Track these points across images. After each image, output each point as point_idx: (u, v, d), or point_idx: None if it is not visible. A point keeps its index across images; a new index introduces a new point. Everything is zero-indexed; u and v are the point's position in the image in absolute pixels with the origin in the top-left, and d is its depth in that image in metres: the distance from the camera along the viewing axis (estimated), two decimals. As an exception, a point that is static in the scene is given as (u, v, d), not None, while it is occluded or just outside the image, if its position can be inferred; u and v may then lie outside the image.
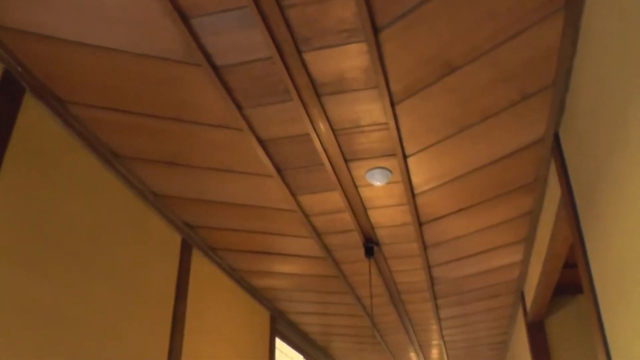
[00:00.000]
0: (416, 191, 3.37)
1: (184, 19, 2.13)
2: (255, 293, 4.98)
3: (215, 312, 4.22)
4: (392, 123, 2.74)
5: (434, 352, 7.64)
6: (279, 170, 3.12)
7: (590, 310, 2.52)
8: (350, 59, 2.36)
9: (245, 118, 2.70)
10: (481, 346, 7.33)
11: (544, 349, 4.86)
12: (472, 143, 2.95)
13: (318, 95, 2.56)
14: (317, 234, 3.87)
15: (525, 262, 4.48)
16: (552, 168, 3.05)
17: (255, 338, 5.00)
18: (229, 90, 2.51)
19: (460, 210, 3.61)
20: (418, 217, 3.67)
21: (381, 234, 3.91)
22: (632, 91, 1.74)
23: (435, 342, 7.02)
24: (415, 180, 3.25)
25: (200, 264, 4.00)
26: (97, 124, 2.71)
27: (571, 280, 4.68)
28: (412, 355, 7.68)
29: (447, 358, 7.90)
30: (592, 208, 2.36)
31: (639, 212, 1.80)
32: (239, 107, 2.62)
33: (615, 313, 2.21)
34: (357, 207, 3.52)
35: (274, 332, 5.46)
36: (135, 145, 2.89)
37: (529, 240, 4.07)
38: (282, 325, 5.78)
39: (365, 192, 3.38)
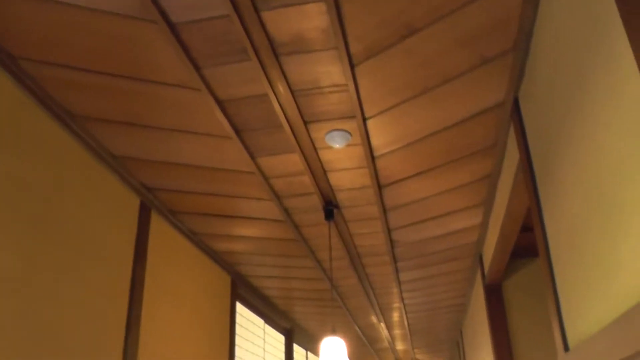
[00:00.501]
0: (376, 154, 3.37)
1: (138, -27, 2.08)
2: (215, 257, 4.97)
3: (175, 275, 4.20)
4: (351, 85, 2.73)
5: (395, 315, 7.74)
6: (237, 132, 3.09)
7: (544, 272, 2.56)
8: (309, 19, 2.33)
9: (203, 78, 2.65)
10: (440, 309, 7.46)
11: (501, 311, 4.96)
12: (432, 106, 2.95)
13: (276, 55, 2.53)
14: (277, 197, 3.86)
15: (484, 225, 4.54)
16: (511, 132, 3.08)
17: (216, 302, 5.01)
18: (185, 48, 2.46)
19: (419, 173, 3.63)
20: (378, 180, 3.68)
21: (341, 197, 3.92)
22: (589, 56, 1.75)
23: (395, 305, 7.11)
24: (374, 142, 3.25)
25: (159, 227, 3.97)
26: (50, 81, 2.65)
27: (528, 244, 4.78)
28: (373, 318, 7.77)
29: (407, 321, 8.02)
30: (548, 172, 2.39)
31: (591, 175, 1.83)
32: (197, 67, 2.58)
33: (566, 274, 2.25)
34: (317, 170, 3.51)
35: (234, 297, 5.46)
36: (91, 105, 2.83)
37: (487, 204, 4.12)
38: (243, 290, 5.79)
39: (324, 155, 3.37)
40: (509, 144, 3.20)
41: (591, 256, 1.92)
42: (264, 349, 6.63)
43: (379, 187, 3.78)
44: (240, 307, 5.91)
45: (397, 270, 5.66)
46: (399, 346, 10.26)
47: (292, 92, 2.79)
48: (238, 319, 5.81)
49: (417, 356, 11.68)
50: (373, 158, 3.42)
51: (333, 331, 4.14)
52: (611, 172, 1.62)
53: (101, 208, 3.27)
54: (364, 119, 3.03)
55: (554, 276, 2.46)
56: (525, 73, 2.60)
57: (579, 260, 2.06)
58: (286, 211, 4.10)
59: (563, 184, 2.16)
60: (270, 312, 6.84)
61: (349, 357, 10.83)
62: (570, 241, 2.14)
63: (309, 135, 3.15)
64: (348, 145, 3.26)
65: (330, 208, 3.99)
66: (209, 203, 3.91)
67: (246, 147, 3.23)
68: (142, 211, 3.72)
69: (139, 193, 3.65)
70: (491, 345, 4.98)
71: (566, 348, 2.33)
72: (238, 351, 5.68)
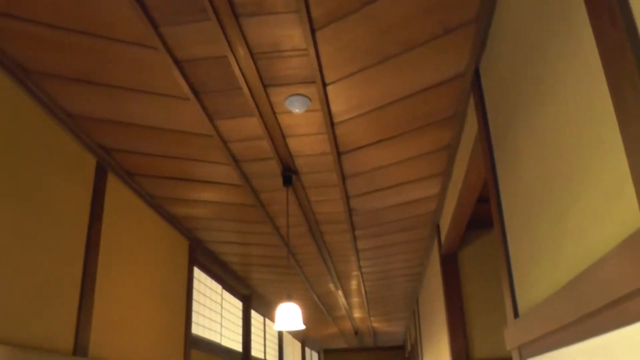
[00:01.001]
0: (335, 120, 3.36)
1: None
2: (173, 221, 4.94)
3: (131, 239, 4.16)
4: (312, 50, 2.70)
5: (352, 284, 7.81)
6: (195, 93, 3.04)
7: (498, 242, 2.59)
8: (270, -21, 2.29)
9: (160, 36, 2.60)
10: (397, 277, 7.55)
11: (455, 280, 5.06)
12: (392, 74, 2.95)
13: (236, 16, 2.48)
14: (235, 161, 3.83)
15: (441, 195, 4.58)
16: (471, 103, 3.09)
17: (173, 267, 4.99)
18: (143, 5, 2.40)
19: (379, 141, 3.63)
20: (337, 146, 3.67)
21: (300, 163, 3.91)
22: (549, 28, 1.75)
23: (353, 273, 7.17)
24: (334, 109, 3.24)
25: (116, 189, 3.92)
26: (2, 34, 2.57)
27: (485, 215, 4.83)
28: (331, 286, 7.83)
29: (365, 289, 8.10)
30: (506, 143, 2.41)
31: (547, 145, 1.84)
32: (154, 25, 2.52)
33: (519, 244, 2.28)
34: (276, 135, 3.49)
35: (192, 262, 5.45)
36: (45, 61, 2.75)
37: (446, 174, 4.15)
38: (201, 255, 5.78)
39: (284, 120, 3.34)
40: (469, 115, 3.21)
41: (543, 226, 1.95)
42: (221, 315, 6.65)
43: (338, 154, 3.78)
44: (198, 273, 5.90)
45: (355, 239, 5.69)
46: (356, 314, 10.39)
47: (252, 54, 2.74)
48: (196, 284, 5.80)
49: (374, 324, 11.84)
50: (333, 124, 3.41)
51: (288, 297, 4.15)
52: (567, 142, 1.64)
53: (56, 167, 3.20)
54: (324, 85, 3.01)
55: (507, 245, 2.49)
56: (487, 45, 2.60)
57: (532, 230, 2.09)
58: (244, 176, 4.07)
59: (520, 154, 2.18)
60: (229, 278, 6.84)
61: (306, 325, 10.92)
62: (524, 211, 2.17)
63: (269, 99, 3.12)
64: (308, 110, 3.24)
65: (289, 174, 3.98)
66: (166, 166, 3.87)
67: (204, 109, 3.19)
68: (98, 172, 3.66)
69: (95, 153, 3.59)
70: (445, 312, 5.07)
71: (516, 314, 2.37)
72: (195, 317, 5.68)
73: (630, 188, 1.25)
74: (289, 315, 4.06)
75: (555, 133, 1.74)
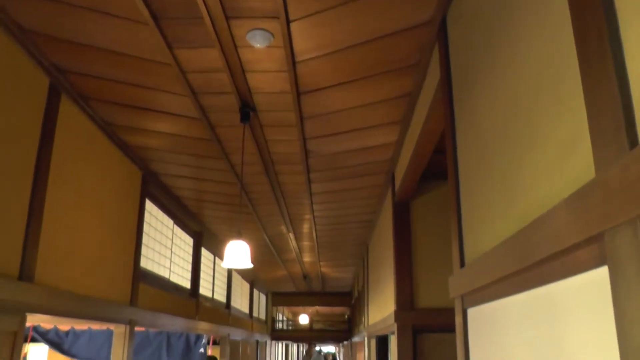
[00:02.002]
0: (297, 59, 3.31)
1: None
2: (127, 151, 4.85)
3: (83, 166, 4.06)
4: (277, -18, 2.64)
5: (304, 227, 7.86)
6: (155, 19, 2.94)
7: (450, 191, 2.63)
8: None
9: (121, -45, 2.51)
10: (349, 223, 7.61)
11: (407, 229, 5.14)
12: (358, 16, 2.90)
13: (202, -60, 2.41)
14: (193, 93, 3.76)
15: (399, 143, 4.59)
16: (435, 52, 3.07)
17: (124, 197, 4.93)
18: None
19: (340, 83, 3.59)
20: (297, 86, 3.62)
21: (258, 100, 3.85)
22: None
23: (306, 216, 7.20)
24: (297, 47, 3.18)
25: (69, 113, 3.79)
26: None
27: (439, 166, 4.84)
28: (282, 228, 7.86)
29: (316, 233, 8.15)
30: (466, 95, 2.40)
31: (507, 96, 1.84)
32: (115, -58, 2.44)
33: (472, 194, 2.31)
34: (236, 69, 3.42)
35: (144, 194, 5.39)
36: (-4, -29, 2.64)
37: (405, 123, 4.15)
38: (154, 187, 5.72)
39: (245, 54, 3.28)
40: (432, 64, 3.19)
41: (495, 178, 1.96)
42: (171, 250, 6.63)
43: (298, 93, 3.73)
44: (150, 206, 5.84)
45: (309, 181, 5.70)
46: (306, 258, 10.47)
47: (215, -18, 2.67)
48: (147, 217, 5.74)
49: (323, 269, 11.97)
50: (294, 63, 3.35)
51: (239, 234, 4.15)
52: (527, 98, 1.64)
53: (5, 84, 3.04)
54: (288, 21, 2.95)
55: (459, 195, 2.53)
56: (455, -6, 2.58)
57: (484, 181, 2.10)
58: (202, 109, 4.00)
59: (479, 105, 2.18)
60: (181, 213, 6.80)
61: (256, 266, 10.98)
62: (480, 162, 2.18)
63: (230, 32, 3.04)
64: (269, 46, 3.17)
65: (247, 110, 3.93)
66: (123, 92, 3.77)
67: (164, 36, 3.10)
68: (51, 93, 3.51)
69: (49, 73, 3.45)
70: (393, 260, 5.14)
71: (462, 264, 2.42)
72: (145, 250, 5.64)
73: (585, 144, 1.26)
74: (238, 253, 4.05)
75: (516, 88, 1.74)
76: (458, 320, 2.46)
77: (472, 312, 2.30)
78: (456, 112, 2.60)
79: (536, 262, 1.45)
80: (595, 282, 1.20)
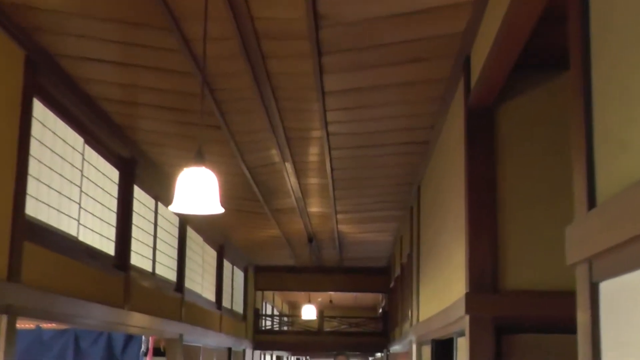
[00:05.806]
0: None
1: None
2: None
3: None
4: None
5: (311, 152, 7.93)
6: None
7: (574, 89, 2.74)
8: None
9: None
10: (388, 146, 7.66)
11: (488, 155, 5.22)
12: None
13: None
14: None
15: (478, 6, 4.43)
16: None
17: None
18: None
19: None
20: None
21: None
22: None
23: (313, 133, 7.24)
24: None
25: None
26: None
27: (550, 46, 4.84)
28: (273, 152, 7.87)
29: (331, 164, 8.07)
30: None
31: None
32: None
33: (611, 92, 2.40)
34: None
35: (31, 89, 5.32)
36: None
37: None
38: (49, 81, 5.65)
39: None
40: None
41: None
42: (80, 189, 6.47)
43: None
44: (43, 112, 5.73)
45: (320, 70, 5.57)
46: (314, 207, 10.45)
47: None
48: (38, 132, 5.65)
49: (342, 227, 11.91)
50: None
51: (199, 156, 4.13)
52: None
53: None
54: None
55: (590, 93, 2.60)
56: None
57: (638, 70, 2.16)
58: None
59: None
60: (97, 126, 6.66)
61: (227, 216, 10.87)
62: (629, 38, 2.25)
63: None
64: None
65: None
66: None
67: None
68: None
69: None
70: (465, 210, 5.07)
71: (592, 204, 2.53)
72: (35, 189, 5.54)
73: None
74: (198, 189, 4.09)
75: None
76: (582, 302, 2.55)
77: (607, 287, 2.38)
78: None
79: None
80: None
